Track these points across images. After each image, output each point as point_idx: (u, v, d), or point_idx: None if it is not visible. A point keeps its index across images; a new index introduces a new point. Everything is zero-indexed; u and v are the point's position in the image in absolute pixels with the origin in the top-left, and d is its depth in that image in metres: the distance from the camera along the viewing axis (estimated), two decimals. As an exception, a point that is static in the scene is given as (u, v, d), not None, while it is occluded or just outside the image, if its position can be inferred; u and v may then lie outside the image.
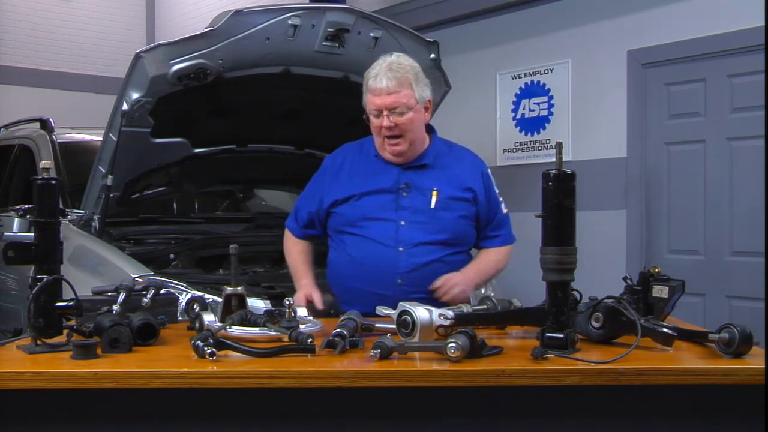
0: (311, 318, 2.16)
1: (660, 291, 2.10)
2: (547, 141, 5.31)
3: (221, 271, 3.91)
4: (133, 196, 4.11)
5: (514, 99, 5.55)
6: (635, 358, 1.70)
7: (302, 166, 4.20)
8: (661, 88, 4.75)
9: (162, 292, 2.25)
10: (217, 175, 4.60)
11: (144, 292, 2.19)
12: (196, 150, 4.08)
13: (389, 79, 2.47)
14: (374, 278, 2.51)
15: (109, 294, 2.18)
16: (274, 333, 1.90)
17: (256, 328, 1.94)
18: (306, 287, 2.63)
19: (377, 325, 2.06)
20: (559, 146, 1.83)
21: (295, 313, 2.02)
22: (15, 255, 1.88)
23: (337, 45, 3.58)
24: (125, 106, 3.46)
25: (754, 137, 4.27)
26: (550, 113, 5.32)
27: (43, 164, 1.91)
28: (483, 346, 1.74)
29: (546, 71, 5.35)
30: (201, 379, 1.62)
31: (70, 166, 4.39)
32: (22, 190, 4.70)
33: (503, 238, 2.72)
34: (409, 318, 1.93)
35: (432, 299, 2.42)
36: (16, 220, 4.24)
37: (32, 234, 1.88)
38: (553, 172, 1.81)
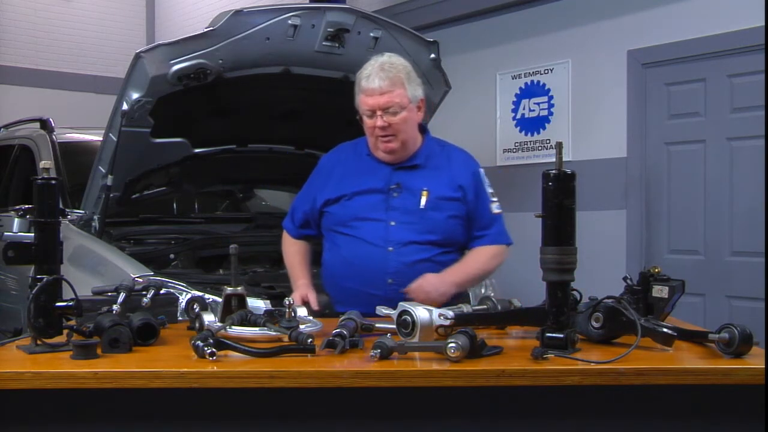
0: (311, 318, 2.16)
1: (660, 291, 2.10)
2: (547, 141, 5.31)
3: (221, 271, 3.91)
4: (133, 196, 4.11)
5: (514, 99, 5.55)
6: (635, 358, 1.70)
7: (302, 166, 4.17)
8: (661, 88, 4.75)
9: (162, 292, 2.25)
10: (217, 175, 4.60)
11: (144, 292, 2.19)
12: (196, 150, 4.08)
13: (382, 79, 2.48)
14: (365, 278, 2.52)
15: (109, 294, 2.18)
16: (274, 333, 1.90)
17: (256, 328, 1.94)
18: (302, 288, 2.63)
19: (377, 325, 2.06)
20: (559, 146, 1.83)
21: (295, 313, 2.02)
22: (15, 255, 1.88)
23: (337, 45, 3.58)
24: (125, 106, 3.46)
25: (754, 137, 4.27)
26: (550, 113, 5.32)
27: (43, 164, 1.91)
28: (483, 346, 1.74)
29: (546, 71, 5.35)
30: (201, 379, 1.62)
31: (70, 166, 4.39)
32: (22, 190, 4.70)
33: (491, 238, 2.65)
34: (409, 318, 1.93)
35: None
36: (16, 220, 4.24)
37: (32, 234, 1.88)
38: (553, 172, 1.81)
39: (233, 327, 1.93)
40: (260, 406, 1.67)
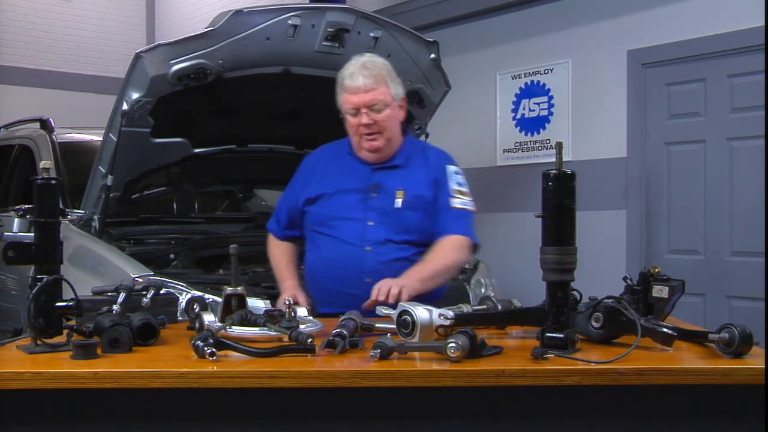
0: (311, 318, 2.16)
1: (660, 291, 2.10)
2: (547, 141, 5.31)
3: (221, 271, 3.91)
4: (133, 196, 4.11)
5: (514, 99, 5.55)
6: (635, 358, 1.70)
7: (302, 167, 4.20)
8: (661, 88, 4.76)
9: (162, 292, 2.25)
10: (217, 175, 4.60)
11: (144, 292, 2.18)
12: (196, 150, 4.08)
13: (366, 77, 2.50)
14: (343, 278, 2.52)
15: (109, 294, 2.18)
16: (274, 333, 1.90)
17: (256, 328, 1.94)
18: (290, 289, 2.62)
19: (377, 325, 2.06)
20: (559, 146, 1.83)
21: (295, 313, 2.02)
22: (15, 255, 1.88)
23: (337, 45, 3.58)
24: (125, 106, 3.46)
25: (754, 137, 4.27)
26: (550, 113, 5.32)
27: (43, 164, 1.91)
28: (483, 346, 1.74)
29: (546, 71, 5.35)
30: (201, 379, 1.62)
31: (70, 166, 4.40)
32: (22, 190, 4.71)
33: (447, 230, 2.57)
34: (409, 318, 1.93)
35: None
36: (16, 220, 4.25)
37: (32, 234, 1.88)
38: (553, 172, 1.81)
39: (233, 327, 1.93)
40: (260, 406, 1.67)
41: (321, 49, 3.58)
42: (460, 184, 2.65)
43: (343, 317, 2.00)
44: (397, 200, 2.56)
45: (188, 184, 4.51)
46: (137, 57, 3.38)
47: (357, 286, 2.48)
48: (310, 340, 1.77)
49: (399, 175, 2.61)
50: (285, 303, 2.02)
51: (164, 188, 4.38)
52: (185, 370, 1.63)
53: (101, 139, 3.67)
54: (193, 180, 4.46)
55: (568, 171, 1.81)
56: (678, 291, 2.11)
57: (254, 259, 4.08)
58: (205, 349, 1.69)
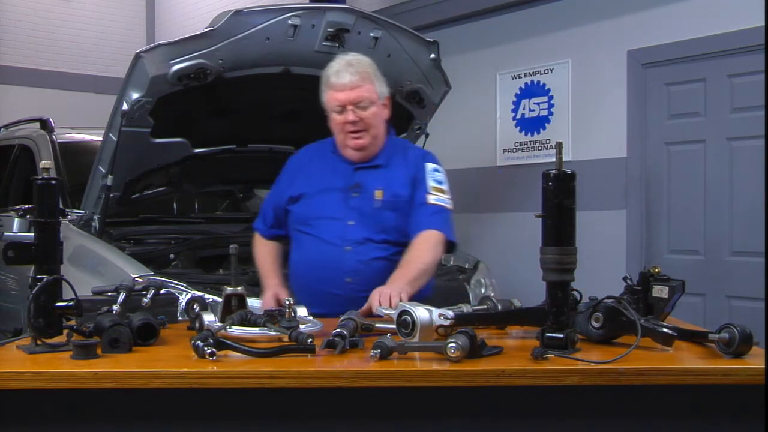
0: (311, 318, 2.16)
1: (660, 291, 2.10)
2: (547, 141, 5.31)
3: (221, 271, 3.91)
4: (133, 196, 4.12)
5: (514, 99, 5.55)
6: (635, 358, 1.70)
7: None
8: (661, 88, 4.76)
9: (162, 292, 2.25)
10: (217, 175, 4.60)
11: (144, 292, 2.18)
12: (196, 150, 4.08)
13: (352, 74, 2.50)
14: (324, 278, 2.51)
15: (109, 294, 2.18)
16: (274, 333, 1.90)
17: (256, 328, 1.94)
18: (273, 287, 2.62)
19: (377, 325, 2.06)
20: (559, 146, 1.82)
21: (295, 313, 2.02)
22: (15, 255, 1.88)
23: (337, 45, 3.58)
24: (125, 106, 3.46)
25: (754, 137, 4.27)
26: (550, 113, 5.32)
27: (43, 164, 1.91)
28: (483, 346, 1.74)
29: (546, 71, 5.35)
30: (201, 379, 1.61)
31: (70, 166, 4.40)
32: (22, 190, 4.71)
33: (422, 226, 2.53)
34: (409, 318, 1.93)
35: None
36: (16, 220, 4.25)
37: (32, 234, 1.88)
38: (553, 172, 1.81)
39: (233, 327, 1.93)
40: (260, 406, 1.67)
41: (321, 49, 3.59)
42: (438, 182, 2.63)
43: (343, 317, 2.00)
44: (376, 200, 2.56)
45: (188, 184, 4.51)
46: (137, 57, 3.38)
47: (338, 286, 2.48)
48: (310, 340, 1.77)
49: (379, 175, 2.60)
50: (285, 303, 2.02)
51: (164, 188, 4.39)
52: (185, 370, 1.63)
53: (101, 139, 3.67)
54: (193, 180, 4.46)
55: (568, 171, 1.81)
56: (678, 291, 2.11)
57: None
58: (205, 349, 1.69)
